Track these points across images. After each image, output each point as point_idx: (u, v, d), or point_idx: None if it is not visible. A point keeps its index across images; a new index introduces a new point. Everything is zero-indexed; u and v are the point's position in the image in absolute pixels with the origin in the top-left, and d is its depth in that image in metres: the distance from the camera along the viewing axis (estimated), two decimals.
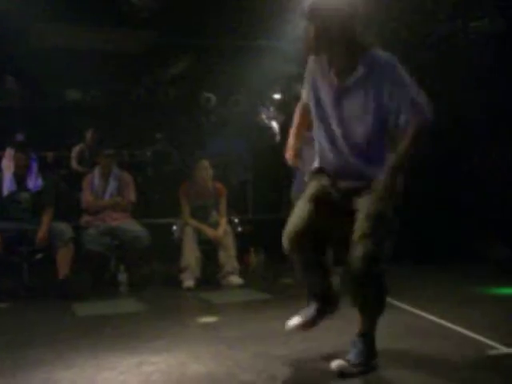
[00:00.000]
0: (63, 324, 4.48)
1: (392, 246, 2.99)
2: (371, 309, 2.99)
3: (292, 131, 3.33)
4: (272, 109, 9.14)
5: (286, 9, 6.40)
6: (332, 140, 3.01)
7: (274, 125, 9.19)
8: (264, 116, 9.61)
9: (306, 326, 3.13)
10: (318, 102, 3.03)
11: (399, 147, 2.81)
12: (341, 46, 2.79)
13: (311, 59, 3.02)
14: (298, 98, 3.46)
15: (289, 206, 7.15)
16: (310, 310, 3.14)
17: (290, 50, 3.29)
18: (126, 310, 5.01)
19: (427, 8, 6.78)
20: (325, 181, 3.08)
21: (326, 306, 3.14)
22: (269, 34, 7.46)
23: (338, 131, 2.97)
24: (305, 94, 3.19)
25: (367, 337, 3.00)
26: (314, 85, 3.02)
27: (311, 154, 3.23)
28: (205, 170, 6.27)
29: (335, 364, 2.94)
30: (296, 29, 2.96)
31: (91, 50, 8.40)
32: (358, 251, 2.80)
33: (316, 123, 3.08)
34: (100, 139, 7.78)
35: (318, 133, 3.09)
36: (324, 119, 3.01)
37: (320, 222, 3.00)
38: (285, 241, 3.06)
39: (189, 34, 8.30)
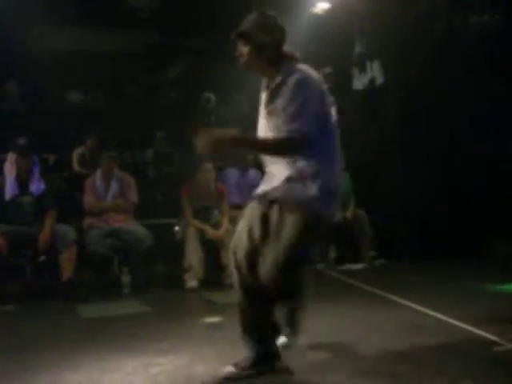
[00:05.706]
0: (68, 326, 4.49)
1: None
2: None
3: None
4: None
5: (285, 9, 6.39)
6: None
7: None
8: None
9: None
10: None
11: (263, 138, 3.06)
12: (263, 64, 3.07)
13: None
14: None
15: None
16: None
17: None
18: (130, 311, 5.00)
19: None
20: None
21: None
22: None
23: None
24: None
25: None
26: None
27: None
28: (209, 172, 6.29)
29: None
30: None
31: (92, 51, 8.42)
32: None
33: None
34: (101, 141, 7.76)
35: None
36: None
37: None
38: None
39: (189, 35, 8.31)
